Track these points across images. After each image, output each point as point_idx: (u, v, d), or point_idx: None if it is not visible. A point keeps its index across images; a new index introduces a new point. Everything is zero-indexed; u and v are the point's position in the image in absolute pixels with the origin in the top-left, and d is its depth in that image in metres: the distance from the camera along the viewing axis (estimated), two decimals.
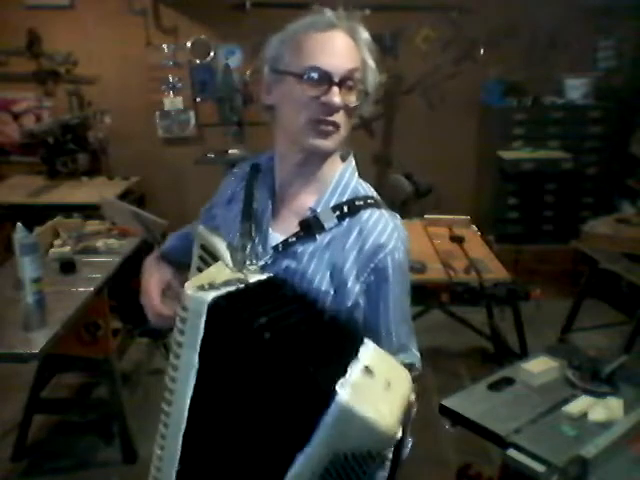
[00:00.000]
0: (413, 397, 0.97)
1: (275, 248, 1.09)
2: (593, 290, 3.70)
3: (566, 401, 1.77)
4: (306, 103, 1.04)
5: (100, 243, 2.76)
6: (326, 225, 1.09)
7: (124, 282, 2.86)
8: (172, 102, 4.54)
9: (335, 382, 0.85)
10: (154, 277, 1.26)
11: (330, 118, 1.04)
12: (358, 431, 0.85)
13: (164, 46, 4.44)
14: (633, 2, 4.18)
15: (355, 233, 1.09)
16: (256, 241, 1.11)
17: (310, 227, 1.09)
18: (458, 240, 3.12)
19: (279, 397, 0.89)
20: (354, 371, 0.88)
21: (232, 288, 0.98)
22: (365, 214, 1.10)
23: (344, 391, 0.84)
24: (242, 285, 1.00)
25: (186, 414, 0.99)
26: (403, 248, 1.11)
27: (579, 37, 4.36)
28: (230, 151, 4.23)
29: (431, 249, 3.06)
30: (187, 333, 0.97)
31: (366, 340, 0.97)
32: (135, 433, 2.68)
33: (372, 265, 1.08)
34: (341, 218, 1.09)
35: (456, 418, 1.74)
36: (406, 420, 0.94)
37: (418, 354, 1.19)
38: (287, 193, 1.15)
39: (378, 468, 0.93)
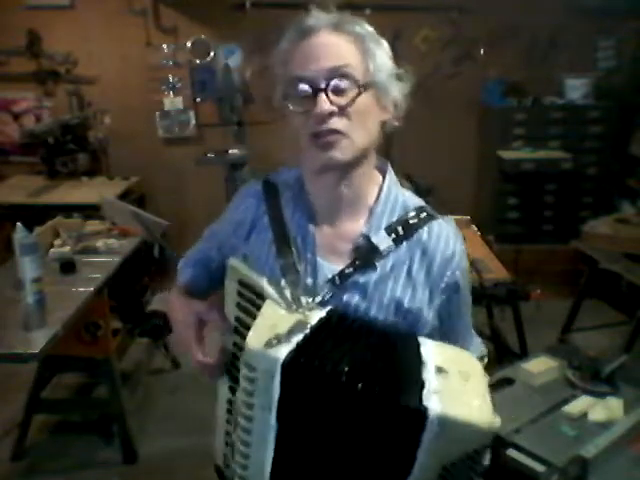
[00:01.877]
0: (487, 380, 0.93)
1: (332, 281, 1.00)
2: (593, 290, 3.69)
3: (566, 401, 1.77)
4: (303, 121, 0.97)
5: (100, 243, 2.76)
6: (383, 251, 1.00)
7: (124, 282, 2.87)
8: (172, 102, 4.54)
9: (420, 397, 0.82)
10: (186, 318, 1.06)
11: (326, 127, 0.95)
12: (461, 434, 0.83)
13: (164, 46, 4.44)
14: (633, 2, 4.18)
15: (418, 255, 1.02)
16: (302, 272, 1.01)
17: (366, 254, 1.00)
18: None
19: (372, 437, 0.86)
20: (429, 377, 0.86)
21: (300, 337, 0.88)
22: (424, 233, 1.03)
23: (432, 402, 0.82)
24: (308, 331, 0.89)
25: (268, 476, 0.92)
26: (465, 252, 1.07)
27: (579, 37, 4.36)
28: (230, 151, 4.23)
29: None
30: (259, 394, 0.88)
31: (422, 339, 0.95)
32: (135, 433, 2.68)
33: (443, 285, 1.03)
34: (398, 241, 1.01)
35: None
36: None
37: (479, 340, 1.18)
38: (329, 217, 1.05)
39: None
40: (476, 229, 3.40)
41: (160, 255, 3.11)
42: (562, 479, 1.47)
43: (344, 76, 0.96)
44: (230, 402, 1.03)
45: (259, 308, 0.94)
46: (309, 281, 1.01)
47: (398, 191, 1.09)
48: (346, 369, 0.85)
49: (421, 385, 0.85)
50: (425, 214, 1.06)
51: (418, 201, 1.10)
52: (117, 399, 2.64)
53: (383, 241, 1.01)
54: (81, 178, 4.12)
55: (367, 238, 1.01)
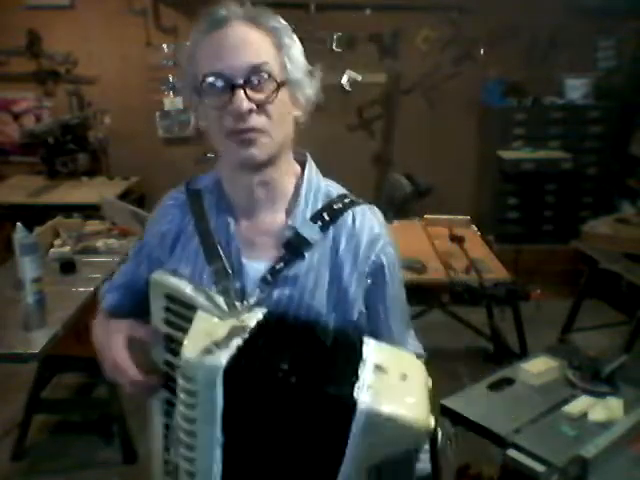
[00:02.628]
0: (430, 383, 0.92)
1: (263, 280, 0.97)
2: (593, 290, 3.69)
3: (566, 401, 1.77)
4: (218, 117, 0.93)
5: (100, 243, 2.76)
6: (311, 240, 0.98)
7: None
8: (172, 102, 4.53)
9: (351, 391, 0.82)
10: (116, 342, 1.02)
11: (245, 125, 0.91)
12: (391, 431, 0.82)
13: (164, 46, 4.44)
14: (633, 2, 4.18)
15: (344, 240, 1.01)
16: (231, 276, 0.98)
17: (295, 246, 0.98)
18: (458, 240, 3.12)
19: (307, 431, 0.86)
20: (365, 373, 0.85)
21: (239, 341, 0.85)
22: (348, 217, 1.02)
23: (363, 396, 0.81)
24: (247, 335, 0.87)
25: None
26: (391, 239, 1.05)
27: (579, 37, 4.35)
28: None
29: (431, 249, 3.07)
30: (200, 407, 0.84)
31: (366, 339, 0.93)
32: (135, 433, 2.68)
33: (368, 268, 1.01)
34: (324, 228, 1.00)
35: (456, 418, 1.74)
36: (432, 407, 0.89)
37: (417, 342, 1.17)
38: (251, 216, 1.03)
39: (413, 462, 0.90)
40: (476, 229, 3.40)
41: None
42: (562, 479, 1.47)
43: (263, 72, 0.92)
44: (167, 426, 1.00)
45: (190, 320, 0.91)
46: (237, 284, 0.98)
47: (319, 180, 1.06)
48: (284, 366, 0.83)
49: (355, 380, 0.84)
50: (348, 200, 1.04)
51: (341, 189, 1.07)
52: (117, 399, 2.64)
53: (310, 230, 0.99)
54: (81, 178, 4.12)
55: (293, 229, 0.99)
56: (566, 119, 4.39)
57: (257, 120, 0.93)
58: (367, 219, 1.03)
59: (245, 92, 0.91)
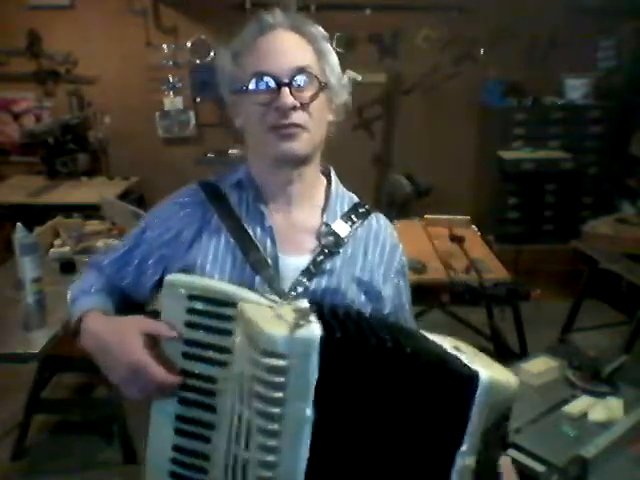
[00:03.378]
0: None
1: (306, 271, 1.02)
2: (593, 290, 3.69)
3: (566, 401, 1.77)
4: (262, 113, 0.99)
5: (100, 243, 2.76)
6: (345, 237, 1.07)
7: None
8: (172, 102, 4.54)
9: (466, 365, 0.86)
10: (133, 342, 0.93)
11: (288, 121, 0.98)
12: (501, 395, 0.88)
13: (164, 46, 4.44)
14: (633, 2, 4.18)
15: (372, 240, 1.10)
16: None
17: (331, 242, 1.05)
18: (458, 240, 3.12)
19: (421, 408, 0.85)
20: (455, 351, 0.90)
21: (314, 318, 0.84)
22: (372, 219, 1.13)
23: (476, 368, 0.86)
24: (315, 314, 0.86)
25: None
26: None
27: (579, 37, 4.35)
28: (230, 151, 4.24)
29: (431, 249, 3.06)
30: (291, 384, 0.80)
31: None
32: (135, 433, 2.68)
33: (394, 268, 1.12)
34: (354, 227, 1.09)
35: None
36: None
37: None
38: (285, 211, 1.07)
39: None
40: (476, 229, 3.40)
41: None
42: (562, 479, 1.47)
43: (305, 74, 0.99)
44: (178, 449, 0.94)
45: (225, 318, 0.89)
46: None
47: (342, 188, 1.15)
48: (388, 337, 0.84)
49: (458, 357, 0.88)
50: (368, 206, 1.15)
51: (357, 197, 1.16)
52: (117, 399, 2.64)
53: (343, 228, 1.07)
54: (81, 178, 4.12)
55: (328, 226, 1.07)
56: (566, 119, 4.39)
57: (299, 117, 0.99)
58: (387, 225, 1.16)
59: (290, 90, 0.97)
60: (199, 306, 0.92)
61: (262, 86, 0.99)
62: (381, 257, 1.10)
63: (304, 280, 1.01)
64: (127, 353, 0.93)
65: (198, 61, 4.47)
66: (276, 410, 0.81)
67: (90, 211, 3.22)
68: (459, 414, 0.85)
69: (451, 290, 2.77)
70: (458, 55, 4.42)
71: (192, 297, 0.92)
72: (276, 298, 0.95)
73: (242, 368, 0.86)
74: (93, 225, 2.99)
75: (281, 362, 0.80)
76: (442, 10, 4.31)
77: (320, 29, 1.05)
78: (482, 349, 0.96)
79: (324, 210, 1.09)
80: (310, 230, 1.07)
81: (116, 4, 4.33)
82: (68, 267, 2.49)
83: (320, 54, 1.03)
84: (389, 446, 0.86)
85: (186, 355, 0.93)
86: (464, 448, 0.86)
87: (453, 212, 3.54)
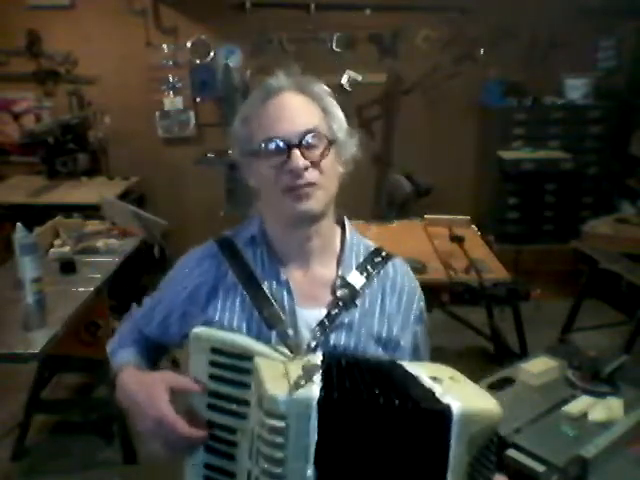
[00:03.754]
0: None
1: (321, 325, 1.03)
2: (593, 290, 3.69)
3: (566, 401, 1.77)
4: (275, 176, 1.01)
5: (100, 243, 2.76)
6: (360, 289, 1.07)
7: (124, 282, 2.86)
8: (172, 102, 4.54)
9: (438, 400, 0.86)
10: (159, 397, 0.96)
11: (302, 181, 1.00)
12: (480, 424, 0.86)
13: (164, 46, 4.44)
14: (633, 2, 4.18)
15: (388, 290, 1.10)
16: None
17: (347, 295, 1.06)
18: (458, 240, 3.12)
19: (411, 449, 0.86)
20: (430, 385, 0.90)
21: (318, 377, 0.86)
22: (389, 268, 1.12)
23: (448, 401, 0.85)
24: (322, 371, 0.88)
25: None
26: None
27: (579, 37, 4.36)
28: (230, 151, 4.23)
29: (431, 249, 3.06)
30: (291, 444, 0.82)
31: (398, 362, 1.00)
32: (135, 433, 2.68)
33: (413, 316, 1.12)
34: (370, 278, 1.09)
35: None
36: None
37: None
38: (300, 266, 1.09)
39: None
40: (476, 229, 3.40)
41: (160, 255, 3.11)
42: (562, 479, 1.47)
43: (314, 134, 1.02)
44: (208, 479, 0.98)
45: (244, 371, 0.92)
46: (290, 331, 1.02)
47: (357, 236, 1.16)
48: (377, 392, 0.85)
49: (432, 392, 0.88)
50: (385, 253, 1.15)
51: (373, 244, 1.17)
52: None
53: (358, 280, 1.08)
54: (81, 178, 4.12)
55: (344, 279, 1.08)
56: (566, 119, 4.39)
57: (312, 176, 1.01)
58: (405, 271, 1.15)
59: (301, 151, 1.00)
60: (221, 359, 0.95)
61: (273, 149, 1.01)
62: (398, 306, 1.10)
63: (319, 334, 1.03)
64: (154, 408, 0.95)
65: (198, 61, 4.47)
66: (278, 470, 0.82)
67: (90, 211, 3.22)
68: (439, 450, 0.85)
69: (451, 290, 2.77)
70: (458, 55, 4.42)
71: (214, 350, 0.95)
72: (301, 348, 1.00)
73: (253, 425, 0.88)
74: (93, 225, 2.99)
75: (281, 423, 0.82)
76: (442, 10, 4.31)
77: (323, 86, 1.08)
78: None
79: (339, 262, 1.10)
80: (326, 283, 1.08)
81: (116, 4, 4.33)
82: (68, 267, 2.49)
83: (326, 111, 1.06)
84: None
85: (210, 406, 0.96)
86: (451, 471, 0.85)
87: (453, 212, 3.54)
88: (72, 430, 2.89)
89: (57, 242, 2.76)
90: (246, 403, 0.92)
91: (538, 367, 1.93)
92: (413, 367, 0.97)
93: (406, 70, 4.41)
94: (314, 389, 0.83)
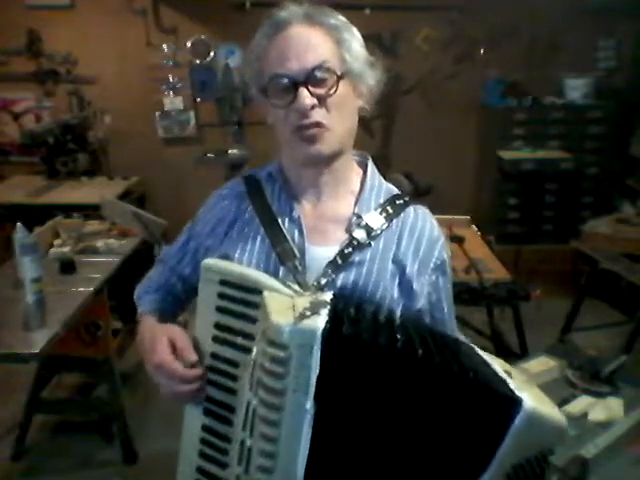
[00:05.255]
0: None
1: (333, 263, 1.00)
2: (593, 290, 3.69)
3: (566, 401, 1.77)
4: (284, 115, 0.98)
5: (100, 243, 2.76)
6: (377, 229, 1.03)
7: (124, 282, 2.86)
8: (172, 102, 4.54)
9: (510, 388, 0.80)
10: (161, 344, 0.98)
11: (308, 121, 0.96)
12: (542, 432, 0.81)
13: (164, 46, 4.44)
14: (633, 2, 4.18)
15: (407, 234, 1.05)
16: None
17: (362, 234, 1.02)
18: (458, 240, 3.12)
19: (447, 419, 0.80)
20: (504, 376, 0.84)
21: (324, 312, 0.82)
22: (410, 213, 1.07)
23: (523, 395, 0.80)
24: (329, 306, 0.84)
25: (301, 476, 0.82)
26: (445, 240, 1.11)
27: (579, 37, 4.36)
28: (230, 151, 4.23)
29: None
30: (292, 375, 0.79)
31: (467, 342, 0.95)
32: (135, 433, 2.68)
33: (432, 264, 1.06)
34: (389, 219, 1.04)
35: None
36: None
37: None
38: (315, 203, 1.07)
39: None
40: (476, 229, 3.40)
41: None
42: (562, 479, 1.47)
43: (323, 69, 0.97)
44: (206, 429, 0.96)
45: (252, 305, 0.90)
46: (299, 267, 1.00)
47: (381, 179, 1.12)
48: (399, 336, 0.80)
49: (503, 379, 0.82)
50: (408, 198, 1.10)
51: (397, 190, 1.13)
52: (117, 399, 2.64)
53: (376, 220, 1.04)
54: (81, 178, 4.12)
55: (360, 217, 1.04)
56: (566, 119, 4.39)
57: (321, 115, 0.97)
58: (427, 218, 1.09)
59: (307, 89, 0.96)
60: (229, 291, 0.93)
61: (280, 88, 0.97)
62: (416, 252, 1.04)
63: (329, 272, 0.99)
64: (155, 354, 0.98)
65: (198, 61, 4.47)
66: (276, 400, 0.81)
67: (90, 211, 3.21)
68: (491, 436, 0.80)
69: None
70: (458, 55, 4.42)
71: (223, 282, 0.94)
72: (310, 284, 0.97)
73: (256, 356, 0.87)
74: (93, 225, 2.99)
75: (283, 352, 0.80)
76: (442, 10, 4.31)
77: (339, 17, 1.02)
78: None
79: (357, 201, 1.06)
80: (340, 220, 1.05)
81: (116, 4, 4.33)
82: (68, 267, 2.49)
83: (339, 42, 1.00)
84: (398, 450, 0.82)
85: (216, 339, 0.95)
86: (487, 475, 0.81)
87: (453, 212, 3.54)
88: (72, 430, 2.89)
89: (57, 242, 2.76)
90: (251, 337, 0.90)
91: (538, 367, 1.93)
92: (485, 355, 0.92)
93: (406, 70, 4.41)
94: (320, 320, 0.80)
